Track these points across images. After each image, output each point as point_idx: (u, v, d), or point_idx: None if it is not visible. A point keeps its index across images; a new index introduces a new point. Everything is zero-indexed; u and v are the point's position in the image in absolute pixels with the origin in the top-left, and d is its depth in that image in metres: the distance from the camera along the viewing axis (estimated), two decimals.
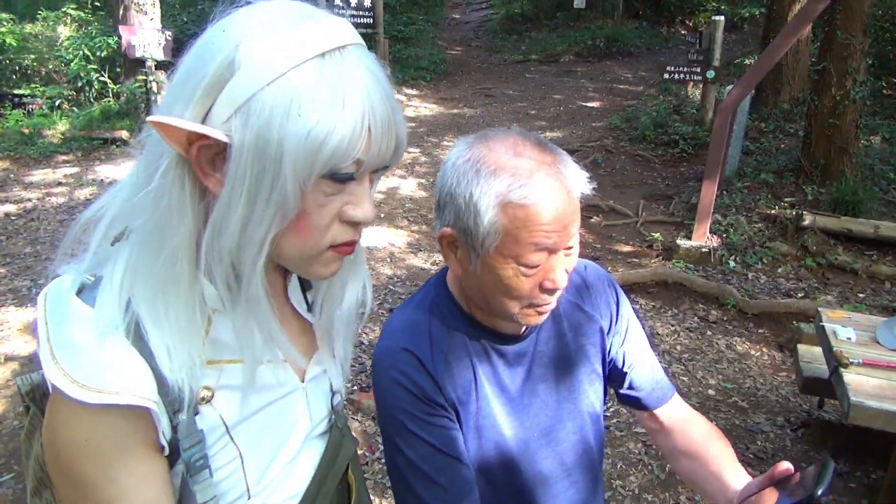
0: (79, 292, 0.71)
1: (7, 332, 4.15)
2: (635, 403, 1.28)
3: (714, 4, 14.66)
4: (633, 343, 1.25)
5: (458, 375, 1.10)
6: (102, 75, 10.29)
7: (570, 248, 1.01)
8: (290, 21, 0.67)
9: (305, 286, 0.96)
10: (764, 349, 4.33)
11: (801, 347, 3.46)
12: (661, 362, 4.00)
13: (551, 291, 1.01)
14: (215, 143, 0.66)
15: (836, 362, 2.64)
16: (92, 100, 10.32)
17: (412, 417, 1.05)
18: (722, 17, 8.05)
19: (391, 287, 5.00)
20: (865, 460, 3.13)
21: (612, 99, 11.23)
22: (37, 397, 0.83)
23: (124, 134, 9.10)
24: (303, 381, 0.90)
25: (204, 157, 0.68)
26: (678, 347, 4.29)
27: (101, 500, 0.70)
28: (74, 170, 7.85)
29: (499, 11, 18.34)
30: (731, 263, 5.27)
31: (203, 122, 0.67)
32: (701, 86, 8.90)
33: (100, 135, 9.08)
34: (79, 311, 0.69)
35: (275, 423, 0.86)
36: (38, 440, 0.83)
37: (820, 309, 3.21)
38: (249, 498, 0.84)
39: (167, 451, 0.74)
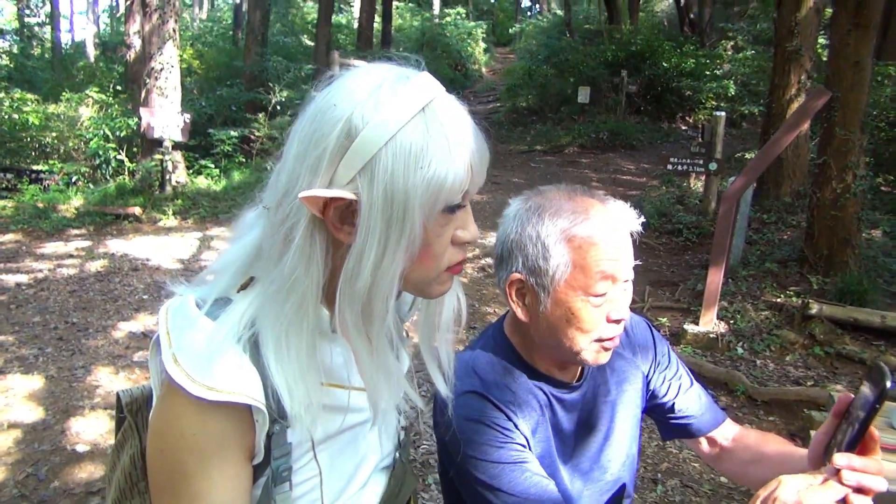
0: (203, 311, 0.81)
1: (11, 399, 4.11)
2: (687, 429, 1.34)
3: (714, 103, 15.20)
4: (677, 375, 1.34)
5: (527, 415, 1.17)
6: (120, 154, 10.58)
7: (627, 280, 1.10)
8: (389, 85, 0.77)
9: None
10: None
11: None
12: (670, 447, 3.91)
13: (617, 322, 1.10)
14: (346, 201, 0.76)
15: None
16: (108, 177, 10.59)
17: (499, 452, 1.09)
18: (723, 113, 8.34)
19: None
20: None
21: (615, 188, 11.46)
22: (133, 409, 0.94)
23: (137, 210, 9.28)
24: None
25: (335, 215, 0.77)
26: None
27: (191, 491, 0.77)
28: (86, 243, 7.96)
29: (505, 104, 18.97)
30: (739, 350, 5.25)
31: (329, 184, 0.76)
32: (703, 177, 9.11)
33: (113, 210, 9.25)
34: (203, 323, 0.79)
35: (352, 448, 0.94)
36: (127, 452, 0.94)
37: (833, 394, 3.19)
38: None
39: (261, 457, 0.82)
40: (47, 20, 26.98)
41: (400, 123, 0.74)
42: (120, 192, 9.96)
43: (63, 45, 27.30)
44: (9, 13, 29.59)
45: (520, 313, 1.13)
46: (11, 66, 19.26)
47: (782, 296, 5.98)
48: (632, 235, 1.11)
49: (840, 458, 0.86)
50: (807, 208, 6.86)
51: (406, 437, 1.08)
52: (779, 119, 8.38)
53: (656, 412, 1.37)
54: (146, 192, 9.86)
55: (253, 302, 0.81)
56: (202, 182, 10.83)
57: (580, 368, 1.24)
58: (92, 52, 23.34)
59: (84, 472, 3.46)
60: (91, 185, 10.44)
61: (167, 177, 9.94)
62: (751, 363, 5.12)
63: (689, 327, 5.43)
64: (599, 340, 1.10)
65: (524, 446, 1.13)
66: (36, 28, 27.99)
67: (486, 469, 1.09)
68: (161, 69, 10.10)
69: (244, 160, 11.65)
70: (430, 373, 1.00)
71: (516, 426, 1.13)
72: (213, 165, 11.29)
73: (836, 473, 0.86)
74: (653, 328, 1.37)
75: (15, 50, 22.92)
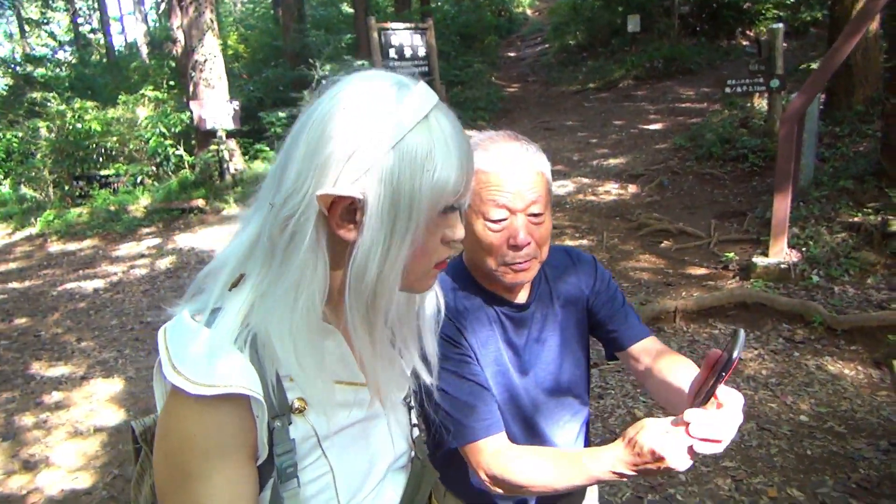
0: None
1: (95, 404, 4.36)
2: (615, 343, 1.49)
3: (774, 12, 14.25)
4: (612, 297, 1.50)
5: (478, 328, 1.35)
6: (178, 149, 10.88)
7: (535, 215, 1.25)
8: (394, 92, 0.81)
9: None
10: (859, 367, 4.04)
11: None
12: (745, 389, 3.75)
13: (517, 248, 1.24)
14: (351, 200, 0.79)
15: None
16: (170, 173, 10.93)
17: (443, 358, 1.20)
18: (781, 25, 7.81)
19: None
20: None
21: (674, 119, 11.00)
22: (148, 438, 0.97)
23: (200, 202, 9.56)
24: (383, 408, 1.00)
25: (340, 213, 0.81)
26: (764, 372, 4.06)
27: (191, 491, 0.79)
28: (156, 241, 8.28)
29: (553, 44, 18.40)
30: (815, 278, 4.99)
31: (335, 183, 0.79)
32: (766, 96, 8.61)
33: (178, 205, 9.58)
34: (199, 331, 0.81)
35: (361, 444, 0.96)
36: (147, 482, 0.97)
37: None
38: None
39: (265, 455, 0.84)
40: (99, 26, 27.79)
41: (406, 128, 0.79)
42: (182, 187, 10.28)
43: (118, 48, 28.12)
44: (64, 24, 30.61)
45: None
46: (72, 75, 19.97)
47: (859, 214, 5.62)
48: (543, 175, 1.26)
49: (688, 414, 0.94)
50: (881, 116, 6.38)
51: (419, 435, 1.09)
52: (843, 22, 7.76)
53: (597, 330, 1.52)
54: (207, 184, 10.14)
55: (246, 300, 0.83)
56: (259, 166, 11.03)
57: (528, 291, 1.41)
58: (144, 50, 23.92)
59: None
60: (156, 183, 10.81)
61: (225, 166, 10.18)
62: (828, 291, 4.86)
63: (758, 260, 5.19)
64: (506, 264, 1.26)
65: (469, 356, 1.32)
66: (91, 35, 28.87)
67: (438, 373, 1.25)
68: (204, 60, 10.26)
69: None
70: (414, 364, 1.06)
71: (462, 334, 1.32)
72: (268, 148, 11.47)
73: (687, 425, 0.94)
74: (597, 262, 1.54)
75: (73, 60, 23.75)
